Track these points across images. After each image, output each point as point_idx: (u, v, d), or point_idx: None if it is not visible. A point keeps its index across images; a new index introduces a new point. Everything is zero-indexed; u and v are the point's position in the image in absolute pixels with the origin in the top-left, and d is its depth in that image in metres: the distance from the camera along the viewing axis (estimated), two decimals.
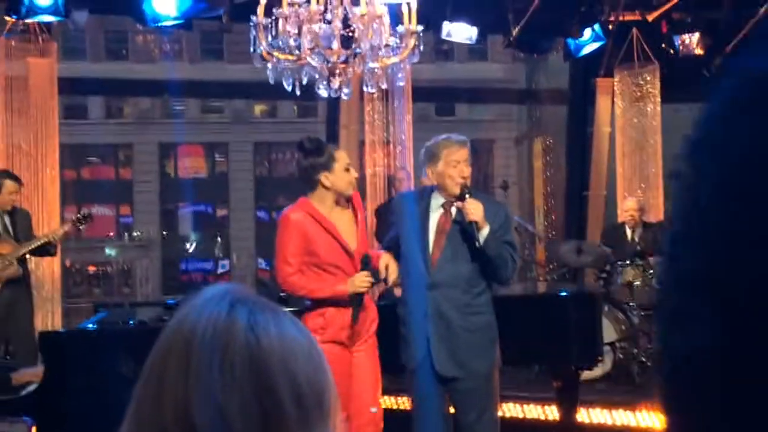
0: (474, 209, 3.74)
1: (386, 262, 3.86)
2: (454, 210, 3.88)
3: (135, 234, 26.21)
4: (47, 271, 7.58)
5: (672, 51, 8.72)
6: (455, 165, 3.84)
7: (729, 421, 0.40)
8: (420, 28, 4.61)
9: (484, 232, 3.75)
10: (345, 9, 4.53)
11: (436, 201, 3.93)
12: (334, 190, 3.87)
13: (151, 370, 0.84)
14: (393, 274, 3.87)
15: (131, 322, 4.79)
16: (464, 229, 3.81)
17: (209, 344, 0.82)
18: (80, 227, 6.54)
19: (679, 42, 8.60)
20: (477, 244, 3.75)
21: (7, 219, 6.19)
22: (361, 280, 3.79)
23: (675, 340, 0.42)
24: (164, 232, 26.60)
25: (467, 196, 3.78)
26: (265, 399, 0.81)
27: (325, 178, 3.84)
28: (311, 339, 0.89)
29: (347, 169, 3.89)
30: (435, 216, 3.92)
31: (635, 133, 9.23)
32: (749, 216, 0.40)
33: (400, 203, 4.22)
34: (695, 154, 0.43)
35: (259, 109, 27.20)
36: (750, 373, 0.39)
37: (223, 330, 0.82)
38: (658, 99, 9.12)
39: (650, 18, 8.57)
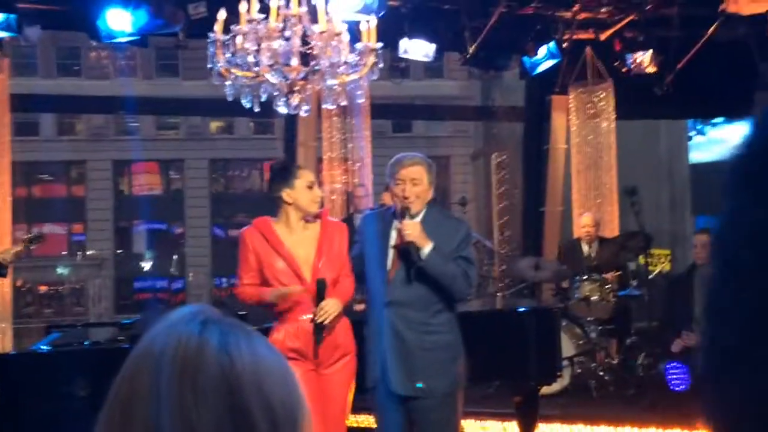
0: (410, 230, 3.74)
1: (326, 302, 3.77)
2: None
3: (88, 252, 25.76)
4: None
5: (625, 69, 8.88)
6: (398, 183, 3.84)
7: None
8: (379, 45, 4.63)
9: (425, 251, 3.74)
10: (304, 26, 4.53)
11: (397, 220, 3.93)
12: (297, 207, 3.87)
13: (119, 392, 0.82)
14: (325, 316, 3.76)
15: (86, 343, 4.69)
16: (407, 249, 3.80)
17: (181, 365, 0.80)
18: (31, 248, 6.39)
19: (632, 60, 8.76)
20: (417, 263, 3.75)
21: None
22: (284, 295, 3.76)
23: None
24: (118, 251, 26.20)
25: (406, 217, 3.77)
26: (238, 420, 0.79)
27: (286, 194, 3.86)
28: (284, 361, 0.87)
29: (310, 187, 3.87)
30: (395, 234, 3.91)
31: (590, 150, 9.36)
32: None
33: (363, 222, 4.21)
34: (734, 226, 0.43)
35: (215, 125, 27.02)
36: None
37: (195, 350, 0.81)
38: (612, 116, 9.26)
39: (603, 37, 8.72)
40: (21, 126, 23.22)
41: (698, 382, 0.44)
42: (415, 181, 3.82)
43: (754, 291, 0.40)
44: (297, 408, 0.84)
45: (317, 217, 3.93)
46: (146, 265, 26.44)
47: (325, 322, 3.74)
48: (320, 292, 3.74)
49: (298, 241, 3.86)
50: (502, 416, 5.68)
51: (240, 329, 0.85)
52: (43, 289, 25.50)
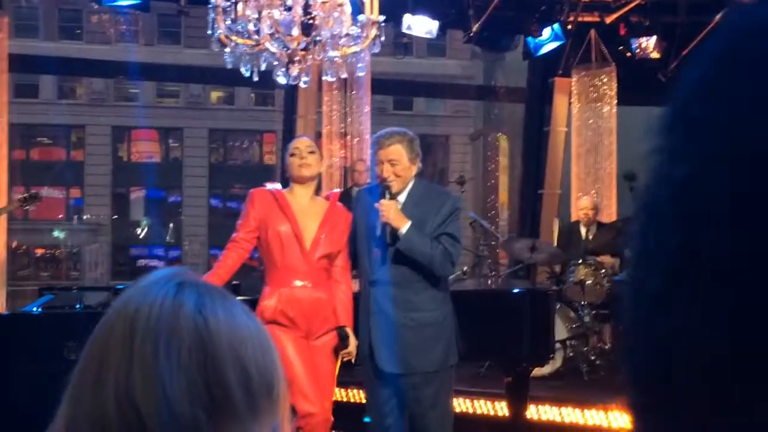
0: (385, 210, 3.72)
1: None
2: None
3: (85, 217, 25.75)
4: None
5: (629, 54, 8.81)
6: (378, 164, 3.82)
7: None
8: (382, 18, 4.57)
9: (401, 231, 3.72)
10: None
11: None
12: (293, 178, 3.94)
13: (92, 352, 0.80)
14: (349, 357, 3.93)
15: (78, 306, 4.68)
16: (384, 229, 3.79)
17: (155, 326, 0.78)
18: (27, 207, 6.37)
19: (636, 45, 8.70)
20: (393, 244, 3.74)
21: None
22: None
23: (659, 325, 0.39)
24: (115, 216, 26.19)
25: (386, 196, 3.76)
26: (212, 383, 0.77)
27: (287, 169, 3.98)
28: (261, 325, 0.86)
29: (292, 154, 3.91)
30: None
31: (591, 134, 9.32)
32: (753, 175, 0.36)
33: (357, 198, 4.20)
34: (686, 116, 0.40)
35: (215, 95, 26.92)
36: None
37: (170, 312, 0.79)
38: (614, 100, 9.21)
39: (608, 20, 8.65)
40: (21, 88, 23.12)
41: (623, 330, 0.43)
42: (393, 162, 3.78)
43: (677, 237, 0.39)
44: (272, 374, 0.82)
45: (327, 198, 4.01)
46: (143, 232, 26.45)
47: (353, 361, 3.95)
48: (343, 339, 3.88)
49: (303, 211, 3.89)
50: (493, 396, 5.68)
51: (217, 293, 0.84)
52: (39, 252, 25.53)
